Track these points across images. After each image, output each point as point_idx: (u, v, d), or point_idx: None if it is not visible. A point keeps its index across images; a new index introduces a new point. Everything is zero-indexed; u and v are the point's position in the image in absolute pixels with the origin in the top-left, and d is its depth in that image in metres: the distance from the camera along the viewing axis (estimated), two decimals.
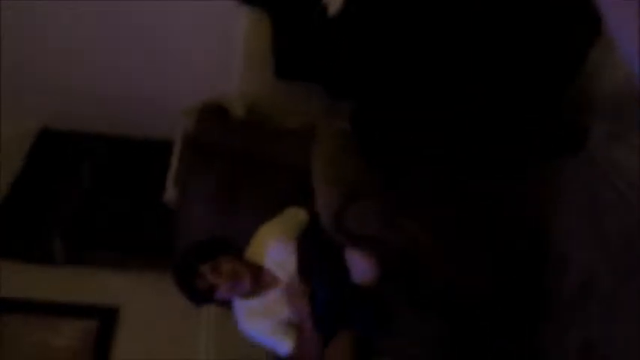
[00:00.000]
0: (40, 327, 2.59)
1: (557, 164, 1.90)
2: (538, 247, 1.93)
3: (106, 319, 2.67)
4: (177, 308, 2.60)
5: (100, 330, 2.64)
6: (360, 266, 1.97)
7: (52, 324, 2.61)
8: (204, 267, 2.01)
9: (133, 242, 2.77)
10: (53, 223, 2.72)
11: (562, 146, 1.88)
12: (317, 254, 2.09)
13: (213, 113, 2.52)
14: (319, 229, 2.09)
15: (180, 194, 2.55)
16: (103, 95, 2.85)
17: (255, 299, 2.10)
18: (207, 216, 2.45)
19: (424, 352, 1.97)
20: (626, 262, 1.62)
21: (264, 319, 2.09)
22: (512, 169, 1.99)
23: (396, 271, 1.96)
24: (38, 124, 2.92)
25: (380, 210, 1.88)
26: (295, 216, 2.22)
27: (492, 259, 1.93)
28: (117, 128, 3.03)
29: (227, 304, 2.20)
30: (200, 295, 2.06)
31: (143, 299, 2.75)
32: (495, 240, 1.94)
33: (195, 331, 2.73)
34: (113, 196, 2.84)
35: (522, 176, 1.96)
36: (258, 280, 2.08)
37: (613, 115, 1.71)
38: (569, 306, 1.77)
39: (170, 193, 2.67)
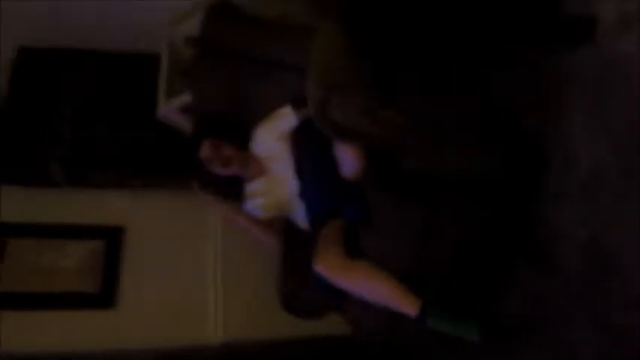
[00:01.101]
0: (48, 249, 2.59)
1: (563, 56, 1.83)
2: (538, 141, 1.95)
3: (112, 238, 2.67)
4: (182, 225, 2.64)
5: (107, 249, 2.64)
6: (348, 160, 2.06)
7: (59, 246, 2.61)
8: (206, 143, 2.22)
9: (132, 161, 2.71)
10: (48, 145, 2.65)
11: (568, 37, 1.80)
12: (309, 150, 2.23)
13: (223, 9, 2.38)
14: (311, 127, 2.10)
15: (196, 97, 2.45)
16: (79, 9, 2.69)
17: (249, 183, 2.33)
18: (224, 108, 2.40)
19: (401, 242, 2.06)
20: (634, 154, 1.52)
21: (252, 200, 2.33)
22: (508, 60, 1.96)
23: (378, 160, 2.02)
24: (15, 44, 2.77)
25: (361, 101, 1.87)
26: (284, 115, 2.28)
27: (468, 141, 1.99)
28: (97, 43, 2.86)
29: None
30: (198, 166, 2.27)
31: (147, 217, 2.76)
32: (484, 128, 1.97)
33: (201, 247, 2.74)
34: (105, 113, 2.74)
35: (520, 67, 1.94)
36: (248, 164, 2.30)
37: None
38: (576, 200, 1.73)
39: (162, 108, 2.58)
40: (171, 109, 2.55)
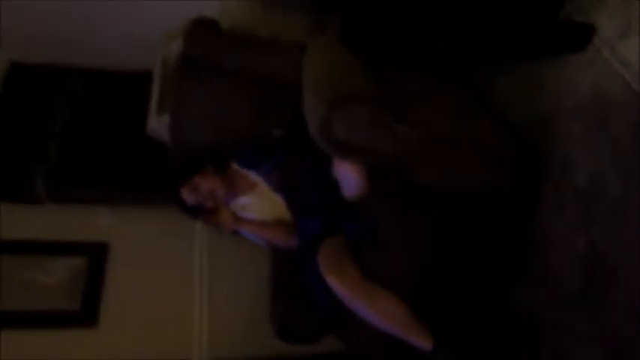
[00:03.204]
0: (30, 267, 2.50)
1: (560, 63, 1.87)
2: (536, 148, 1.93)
3: (95, 255, 2.60)
4: (168, 242, 2.60)
5: (90, 266, 2.57)
6: (350, 180, 1.98)
7: (41, 263, 2.53)
8: (184, 190, 2.29)
9: (118, 178, 2.67)
10: (34, 162, 2.59)
11: (565, 44, 1.83)
12: (302, 173, 2.19)
13: (206, 27, 2.38)
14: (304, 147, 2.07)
15: (175, 116, 2.44)
16: (74, 26, 2.68)
17: (240, 198, 2.35)
18: (199, 130, 2.41)
19: (408, 251, 2.01)
20: (634, 162, 1.57)
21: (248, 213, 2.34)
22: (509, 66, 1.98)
23: (386, 177, 1.96)
24: (7, 58, 2.74)
25: (368, 115, 1.79)
26: None
27: (485, 156, 1.94)
28: (90, 60, 2.86)
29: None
30: (191, 209, 2.34)
31: (132, 235, 2.69)
32: (490, 139, 1.94)
33: (187, 264, 2.69)
34: (93, 130, 2.71)
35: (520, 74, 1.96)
36: (235, 185, 2.33)
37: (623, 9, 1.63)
38: (576, 208, 1.75)
39: (153, 122, 2.57)
40: (161, 124, 2.54)
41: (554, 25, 1.88)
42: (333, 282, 1.90)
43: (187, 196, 2.29)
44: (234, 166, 2.38)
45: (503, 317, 2.11)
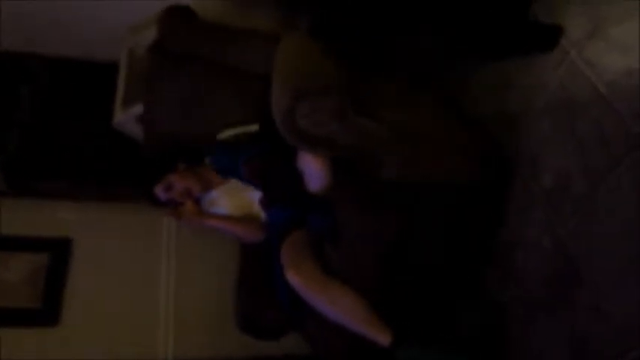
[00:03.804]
0: None
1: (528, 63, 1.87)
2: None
3: (57, 251, 2.53)
4: (133, 238, 2.55)
5: (52, 263, 2.50)
6: (313, 173, 1.98)
7: (2, 259, 2.46)
8: (158, 187, 2.27)
9: (81, 171, 2.64)
10: None
11: (533, 44, 1.85)
12: (268, 167, 2.19)
13: (182, 15, 2.34)
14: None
15: (148, 104, 2.40)
16: (41, 13, 2.61)
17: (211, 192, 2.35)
18: (173, 120, 2.38)
19: (371, 246, 2.01)
20: (599, 162, 1.59)
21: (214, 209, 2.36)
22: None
23: (349, 169, 1.96)
24: None
25: (331, 107, 1.78)
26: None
27: (449, 155, 1.95)
28: (56, 49, 2.79)
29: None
30: (162, 204, 2.33)
31: (96, 229, 2.62)
32: (455, 138, 1.95)
33: (153, 261, 2.64)
34: (57, 122, 2.66)
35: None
36: (209, 182, 2.33)
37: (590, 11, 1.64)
38: (543, 207, 1.77)
39: (119, 115, 2.52)
40: (128, 117, 2.49)
41: (523, 24, 1.88)
42: (291, 276, 1.91)
43: (160, 193, 2.27)
44: (207, 160, 2.36)
45: (469, 313, 2.12)
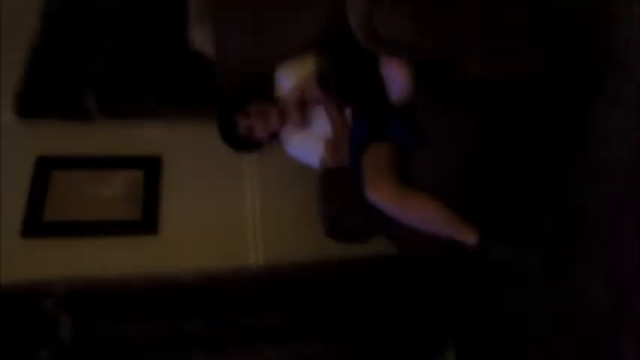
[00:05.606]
0: (90, 180, 2.64)
1: None
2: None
3: (150, 167, 2.71)
4: (218, 152, 2.66)
5: (145, 179, 2.69)
6: (397, 79, 1.97)
7: (100, 177, 2.66)
8: (237, 116, 2.36)
9: (166, 91, 2.74)
10: (83, 79, 2.68)
11: None
12: (351, 75, 2.17)
13: None
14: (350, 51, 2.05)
15: (216, 22, 2.46)
16: None
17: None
18: (244, 38, 2.42)
19: (454, 147, 1.99)
20: None
21: (300, 136, 2.40)
22: None
23: (430, 73, 1.93)
24: None
25: (409, 10, 1.74)
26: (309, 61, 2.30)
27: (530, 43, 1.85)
28: None
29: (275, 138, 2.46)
30: (242, 141, 2.43)
31: (184, 147, 2.78)
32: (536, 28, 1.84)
33: (238, 172, 2.78)
34: (137, 45, 2.76)
35: None
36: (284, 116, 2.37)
37: None
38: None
39: (196, 34, 2.57)
40: (202, 34, 2.54)
41: None
42: (370, 194, 1.93)
43: (243, 121, 2.35)
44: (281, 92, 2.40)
45: (553, 213, 2.06)
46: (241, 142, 2.45)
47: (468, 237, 1.95)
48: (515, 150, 2.06)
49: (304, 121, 2.36)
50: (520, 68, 1.92)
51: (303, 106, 2.33)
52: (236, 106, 2.39)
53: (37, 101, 2.66)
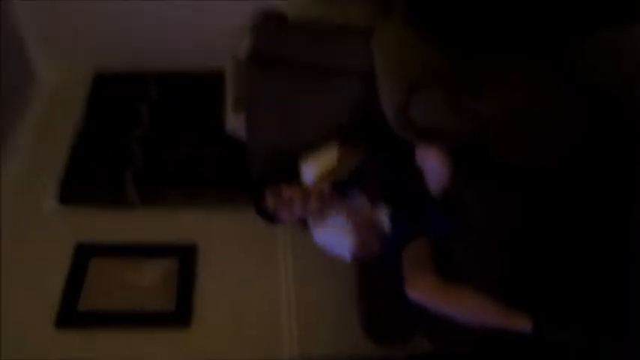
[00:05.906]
0: (126, 269, 2.62)
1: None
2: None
3: (185, 256, 2.68)
4: (253, 241, 2.61)
5: (180, 267, 2.65)
6: (436, 170, 1.92)
7: (136, 265, 2.64)
8: (267, 191, 2.31)
9: (203, 177, 2.77)
10: (123, 167, 2.74)
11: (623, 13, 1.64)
12: (387, 172, 2.15)
13: (272, 21, 2.41)
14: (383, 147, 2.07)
15: (248, 111, 2.49)
16: (147, 33, 2.79)
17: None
18: (273, 127, 2.44)
19: (496, 235, 1.94)
20: None
21: (326, 228, 2.35)
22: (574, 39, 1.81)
23: (466, 160, 1.91)
24: (88, 70, 2.89)
25: (445, 96, 1.76)
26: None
27: (568, 127, 1.84)
28: (162, 65, 2.98)
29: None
30: (266, 214, 2.37)
31: (219, 234, 2.75)
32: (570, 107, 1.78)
33: (273, 262, 2.72)
34: (176, 133, 2.81)
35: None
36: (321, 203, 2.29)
37: None
38: None
39: (231, 121, 2.60)
40: (239, 122, 2.56)
41: None
42: (410, 292, 1.91)
43: (270, 200, 2.30)
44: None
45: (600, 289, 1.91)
46: (268, 216, 2.40)
47: (521, 324, 1.85)
48: (556, 229, 1.97)
49: (323, 213, 2.32)
50: (560, 150, 1.88)
51: (324, 198, 2.29)
52: (269, 181, 2.37)
53: (78, 188, 2.71)
